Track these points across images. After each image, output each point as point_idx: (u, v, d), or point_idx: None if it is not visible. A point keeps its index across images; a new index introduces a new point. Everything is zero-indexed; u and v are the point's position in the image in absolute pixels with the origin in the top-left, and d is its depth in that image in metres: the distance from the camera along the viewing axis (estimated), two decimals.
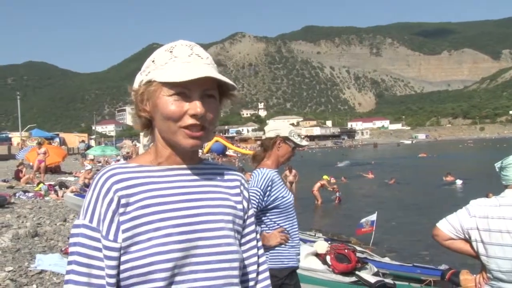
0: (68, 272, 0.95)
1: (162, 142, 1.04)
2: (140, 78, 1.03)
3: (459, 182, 19.40)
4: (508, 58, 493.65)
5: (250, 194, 2.48)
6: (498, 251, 2.04)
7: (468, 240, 2.16)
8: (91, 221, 0.96)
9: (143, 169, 1.03)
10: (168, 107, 0.96)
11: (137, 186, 0.99)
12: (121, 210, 0.96)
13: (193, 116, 0.96)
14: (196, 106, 0.96)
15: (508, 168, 2.16)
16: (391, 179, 22.09)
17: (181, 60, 0.99)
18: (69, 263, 0.95)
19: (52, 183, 13.56)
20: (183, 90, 0.96)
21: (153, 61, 1.02)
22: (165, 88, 0.97)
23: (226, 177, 1.13)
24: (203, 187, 1.06)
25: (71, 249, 0.97)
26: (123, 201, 0.96)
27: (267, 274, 1.16)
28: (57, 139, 42.10)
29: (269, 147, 2.78)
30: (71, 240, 0.97)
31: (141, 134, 1.10)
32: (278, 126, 2.83)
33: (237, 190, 1.13)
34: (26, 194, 11.02)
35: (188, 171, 1.06)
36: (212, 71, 0.98)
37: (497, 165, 2.25)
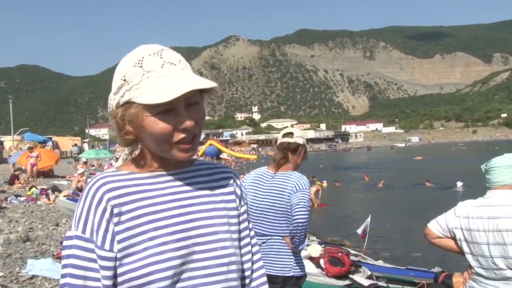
0: (62, 286, 0.93)
1: (151, 154, 1.02)
2: (115, 99, 0.98)
3: (459, 184, 19.46)
4: (500, 61, 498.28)
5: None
6: (477, 249, 2.18)
7: (454, 239, 2.30)
8: (84, 231, 0.94)
9: (135, 176, 1.01)
10: (156, 128, 0.93)
11: (130, 194, 0.97)
12: (115, 219, 0.94)
13: (183, 130, 0.94)
14: (184, 120, 0.93)
15: (491, 171, 2.27)
16: (379, 181, 22.22)
17: (156, 75, 0.94)
18: (63, 276, 0.93)
19: (45, 187, 13.47)
20: (167, 107, 0.91)
21: (124, 80, 0.96)
22: (147, 109, 0.93)
23: (218, 176, 1.11)
24: (196, 191, 1.04)
25: (64, 262, 0.94)
26: (116, 210, 0.95)
27: (262, 271, 1.15)
28: (50, 143, 41.77)
29: (296, 152, 2.84)
30: (64, 252, 0.95)
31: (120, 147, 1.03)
32: (303, 135, 2.94)
33: (231, 189, 1.11)
34: (18, 198, 10.93)
35: (180, 176, 1.04)
36: (191, 79, 0.94)
37: (483, 167, 2.36)
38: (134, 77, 0.94)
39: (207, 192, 1.06)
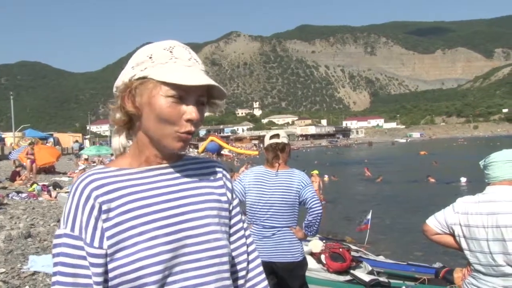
0: (53, 284, 0.93)
1: (144, 141, 1.02)
2: (132, 72, 0.99)
3: (463, 179, 19.36)
4: (501, 56, 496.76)
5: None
6: (476, 246, 2.15)
7: (453, 235, 2.28)
8: (72, 229, 0.94)
9: (123, 172, 1.01)
10: (165, 109, 0.95)
11: (118, 190, 0.97)
12: (103, 216, 0.95)
13: (188, 121, 0.96)
14: (192, 111, 0.96)
15: (490, 166, 2.26)
16: (378, 177, 22.19)
17: (183, 63, 0.98)
18: (54, 274, 0.94)
19: (46, 183, 13.47)
20: (182, 93, 0.95)
21: (150, 57, 0.98)
22: (164, 88, 0.95)
23: (207, 170, 1.12)
24: (185, 184, 1.05)
25: (54, 260, 0.95)
26: (104, 207, 0.95)
27: (258, 262, 1.16)
28: (51, 139, 41.82)
29: (284, 151, 3.17)
30: (54, 250, 0.95)
31: (114, 132, 1.05)
32: (286, 135, 3.33)
33: (220, 182, 1.12)
34: (20, 194, 10.93)
35: (169, 170, 1.05)
36: (211, 79, 0.98)
37: (481, 163, 2.34)
38: (162, 57, 0.98)
39: (197, 185, 1.07)
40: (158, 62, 0.97)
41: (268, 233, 2.99)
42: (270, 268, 2.94)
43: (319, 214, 2.99)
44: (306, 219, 3.03)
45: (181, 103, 0.96)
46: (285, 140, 3.21)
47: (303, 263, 3.09)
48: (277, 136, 3.21)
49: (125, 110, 0.99)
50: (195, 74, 0.96)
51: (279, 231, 2.99)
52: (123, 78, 1.01)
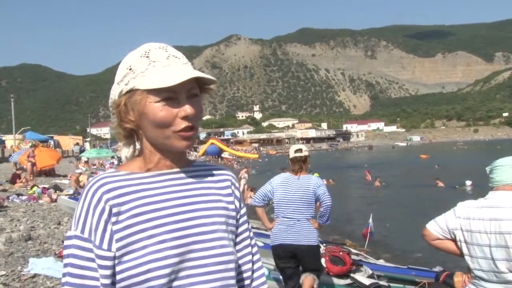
0: (63, 284, 0.96)
1: (150, 149, 1.03)
2: (118, 89, 1.02)
3: (468, 183, 19.08)
4: (501, 60, 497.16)
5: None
6: (478, 251, 2.12)
7: (454, 240, 2.24)
8: (82, 231, 0.96)
9: (133, 176, 1.02)
10: (158, 114, 0.96)
11: (128, 194, 0.98)
12: (113, 219, 0.96)
13: (184, 118, 0.97)
14: (186, 108, 0.97)
15: (495, 170, 2.24)
16: (376, 179, 22.02)
17: (161, 64, 0.99)
18: (64, 275, 0.96)
19: (47, 186, 13.47)
20: (170, 94, 0.96)
21: (130, 69, 1.00)
22: (151, 95, 0.96)
23: (217, 177, 1.12)
24: (195, 190, 1.06)
25: (65, 261, 0.97)
26: (114, 210, 0.96)
27: (262, 271, 1.16)
28: (52, 142, 41.88)
29: (306, 162, 4.07)
30: (65, 252, 0.98)
31: (121, 144, 1.08)
32: (307, 149, 4.25)
33: (229, 190, 1.12)
34: (20, 197, 10.94)
35: (179, 175, 1.06)
36: (194, 71, 0.98)
37: (488, 168, 2.33)
38: (140, 66, 0.99)
39: (206, 191, 1.07)
40: (139, 72, 0.98)
41: (291, 223, 3.88)
42: (293, 252, 3.85)
43: (329, 206, 3.83)
44: (319, 211, 3.88)
45: (172, 103, 0.96)
46: (307, 153, 4.10)
47: (318, 247, 4.05)
48: (300, 150, 4.09)
49: (124, 127, 1.02)
50: (176, 72, 0.96)
51: (299, 221, 3.87)
52: (112, 96, 1.04)
